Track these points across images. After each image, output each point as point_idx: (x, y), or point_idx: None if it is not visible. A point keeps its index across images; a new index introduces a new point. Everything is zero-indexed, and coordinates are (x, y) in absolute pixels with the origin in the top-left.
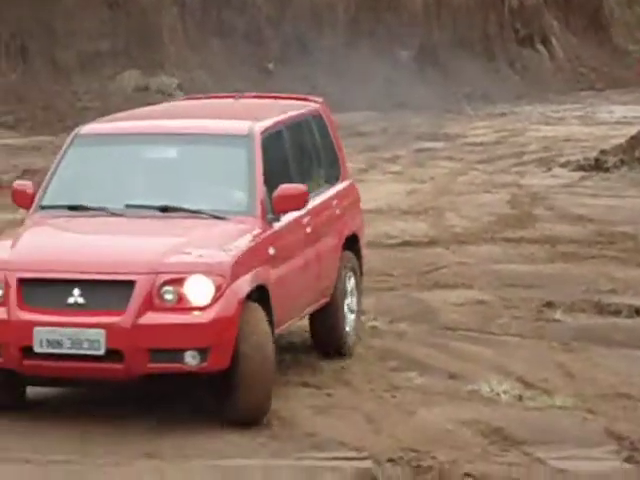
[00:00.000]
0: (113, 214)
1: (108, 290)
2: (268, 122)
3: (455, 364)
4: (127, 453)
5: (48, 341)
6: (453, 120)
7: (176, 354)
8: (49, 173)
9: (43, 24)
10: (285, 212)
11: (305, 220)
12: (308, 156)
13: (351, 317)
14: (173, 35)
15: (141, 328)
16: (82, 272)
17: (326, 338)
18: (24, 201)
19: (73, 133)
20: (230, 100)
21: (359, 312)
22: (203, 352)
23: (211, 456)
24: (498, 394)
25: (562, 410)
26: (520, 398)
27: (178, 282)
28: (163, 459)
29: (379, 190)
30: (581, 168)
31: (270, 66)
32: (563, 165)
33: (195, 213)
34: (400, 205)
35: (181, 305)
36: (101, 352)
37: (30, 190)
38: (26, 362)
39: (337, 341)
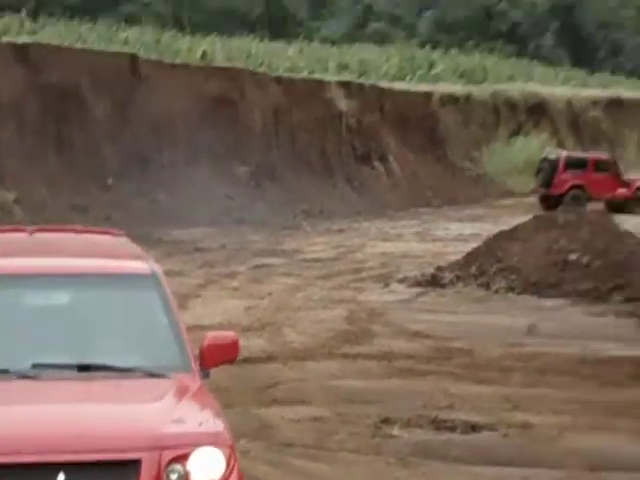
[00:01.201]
0: (23, 377)
1: (102, 473)
2: (150, 260)
3: None
4: None
5: None
6: (291, 236)
7: None
8: None
9: None
10: (216, 365)
11: None
12: None
13: None
14: (11, 149)
15: None
16: (66, 452)
17: None
18: None
19: None
20: (62, 235)
21: None
22: None
23: None
24: None
25: None
26: None
27: (183, 458)
28: None
29: (217, 306)
30: (418, 284)
31: (109, 181)
32: (401, 281)
33: (126, 372)
34: (239, 321)
35: None
36: None
37: None
38: None
39: None
